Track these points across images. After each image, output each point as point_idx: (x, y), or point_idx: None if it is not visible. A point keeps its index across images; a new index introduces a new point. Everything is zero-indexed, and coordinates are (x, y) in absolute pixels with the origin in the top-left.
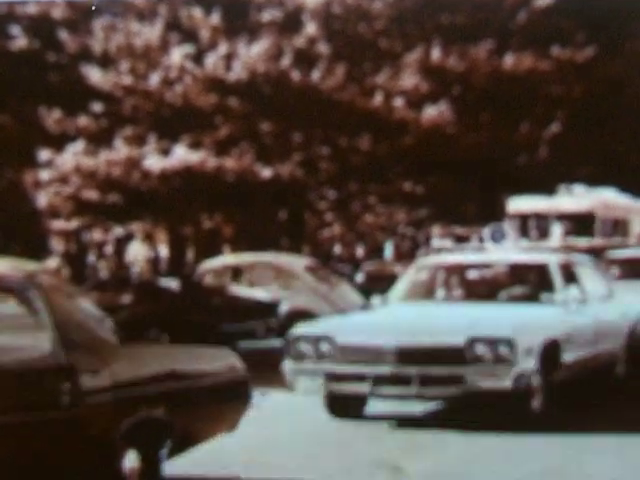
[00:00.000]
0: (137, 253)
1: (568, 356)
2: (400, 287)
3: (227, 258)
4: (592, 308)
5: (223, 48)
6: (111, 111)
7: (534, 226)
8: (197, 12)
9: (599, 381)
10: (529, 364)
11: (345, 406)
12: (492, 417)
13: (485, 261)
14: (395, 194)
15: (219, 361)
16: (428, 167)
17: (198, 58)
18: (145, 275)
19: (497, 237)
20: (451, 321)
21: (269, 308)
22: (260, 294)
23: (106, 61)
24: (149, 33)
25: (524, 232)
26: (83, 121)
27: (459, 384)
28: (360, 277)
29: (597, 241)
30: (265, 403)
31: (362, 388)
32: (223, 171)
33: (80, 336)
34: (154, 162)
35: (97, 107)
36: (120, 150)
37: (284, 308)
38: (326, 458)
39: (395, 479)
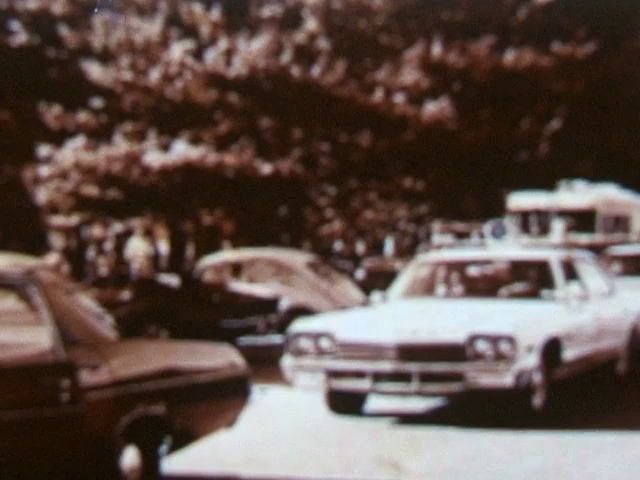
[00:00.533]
0: (137, 249)
1: (569, 353)
2: (400, 283)
3: (227, 254)
4: (593, 305)
5: (223, 44)
6: (111, 107)
7: (535, 222)
8: (197, 7)
9: (600, 378)
10: (530, 361)
11: (345, 403)
12: (493, 414)
13: (486, 257)
14: (395, 190)
15: (219, 357)
16: (428, 163)
17: (198, 54)
18: (145, 271)
19: (498, 233)
20: (451, 318)
21: (269, 304)
22: (260, 290)
23: (106, 57)
24: (149, 29)
25: (525, 228)
26: (83, 117)
27: (460, 381)
28: (360, 273)
29: (598, 237)
30: (265, 399)
31: (362, 385)
32: (223, 167)
33: (79, 332)
34: (154, 158)
35: (97, 103)
36: (120, 146)
37: (284, 304)
38: (326, 455)
39: (395, 476)
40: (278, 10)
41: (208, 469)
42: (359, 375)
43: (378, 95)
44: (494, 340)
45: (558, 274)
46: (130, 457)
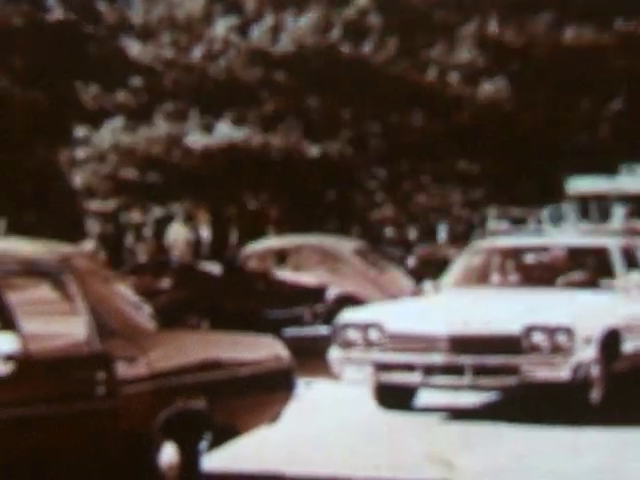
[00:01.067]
0: (177, 235)
1: (629, 345)
2: (454, 272)
3: (272, 241)
4: None
5: (269, 19)
6: (151, 86)
7: (595, 208)
8: None
9: None
10: (588, 354)
11: (394, 397)
12: (549, 409)
13: (543, 245)
14: (449, 173)
15: (262, 349)
16: (484, 145)
17: (243, 30)
18: (185, 258)
19: (555, 219)
20: (507, 308)
21: (316, 293)
22: (306, 279)
23: (146, 33)
24: (192, 4)
25: (584, 214)
26: (122, 96)
27: (514, 374)
28: (412, 261)
29: None
30: (310, 394)
31: (412, 378)
32: (268, 149)
33: (116, 323)
34: (196, 139)
35: (136, 81)
36: (160, 127)
37: (331, 293)
38: (374, 452)
39: (446, 474)
40: None
41: (250, 466)
42: (409, 368)
43: (431, 74)
44: (551, 332)
45: (618, 262)
46: (168, 453)
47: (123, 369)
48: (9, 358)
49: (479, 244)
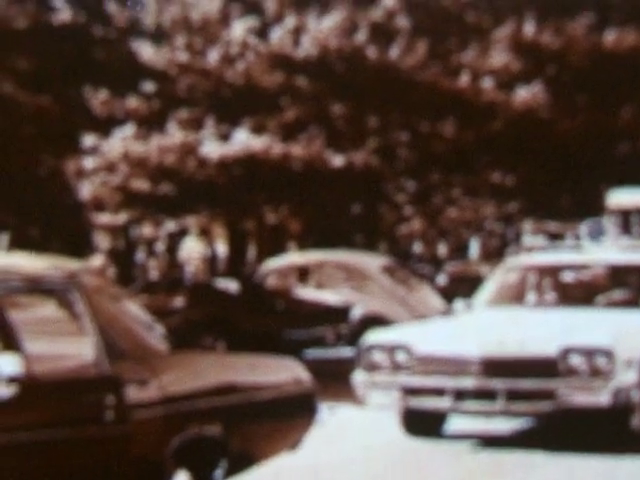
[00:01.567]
0: (191, 250)
1: None
2: (486, 290)
3: (293, 256)
4: None
5: (290, 21)
6: (164, 91)
7: (637, 222)
8: None
9: None
10: (629, 377)
11: (422, 423)
12: (586, 437)
13: (581, 261)
14: (482, 186)
15: (282, 372)
16: (519, 156)
17: (262, 32)
18: (200, 275)
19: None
20: (543, 329)
21: (339, 313)
22: (329, 297)
23: (159, 36)
24: (208, 4)
25: (625, 229)
26: (133, 102)
27: (550, 399)
28: (442, 278)
29: None
30: (333, 419)
31: (442, 403)
32: (289, 159)
33: (126, 344)
34: (212, 148)
35: (149, 87)
36: (174, 135)
37: (356, 313)
38: None
39: None
40: None
41: None
42: (438, 392)
43: (464, 79)
44: (589, 354)
45: None
46: None
47: (133, 393)
48: (12, 380)
49: (513, 261)
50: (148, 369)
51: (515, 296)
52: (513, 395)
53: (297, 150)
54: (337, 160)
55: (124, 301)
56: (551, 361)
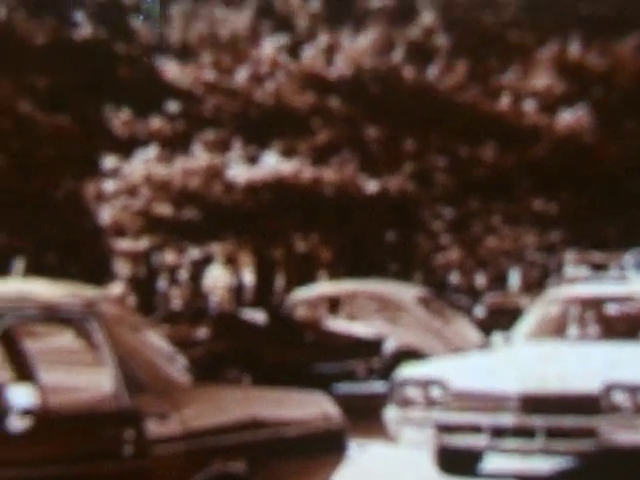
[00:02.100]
0: (216, 279)
1: None
2: (526, 323)
3: (323, 286)
4: None
5: (323, 39)
6: (189, 111)
7: None
8: None
9: None
10: None
11: (458, 461)
12: (629, 477)
13: (626, 293)
14: (523, 213)
15: (310, 407)
16: (562, 182)
17: (294, 50)
18: (225, 305)
19: None
20: (585, 364)
21: (372, 346)
22: (361, 329)
23: (185, 53)
24: (236, 20)
25: None
26: (156, 123)
27: (592, 437)
28: (480, 310)
29: None
30: (363, 457)
31: (479, 441)
32: (321, 184)
33: (147, 376)
34: (239, 172)
35: (173, 107)
36: (199, 157)
37: (389, 346)
38: None
39: None
40: (389, 1)
41: None
42: (475, 429)
43: (504, 101)
44: (634, 390)
45: None
46: None
47: (154, 427)
48: (27, 413)
49: (555, 292)
50: (169, 403)
51: (556, 329)
52: (553, 433)
53: (329, 175)
54: (371, 185)
55: (145, 331)
56: (593, 398)
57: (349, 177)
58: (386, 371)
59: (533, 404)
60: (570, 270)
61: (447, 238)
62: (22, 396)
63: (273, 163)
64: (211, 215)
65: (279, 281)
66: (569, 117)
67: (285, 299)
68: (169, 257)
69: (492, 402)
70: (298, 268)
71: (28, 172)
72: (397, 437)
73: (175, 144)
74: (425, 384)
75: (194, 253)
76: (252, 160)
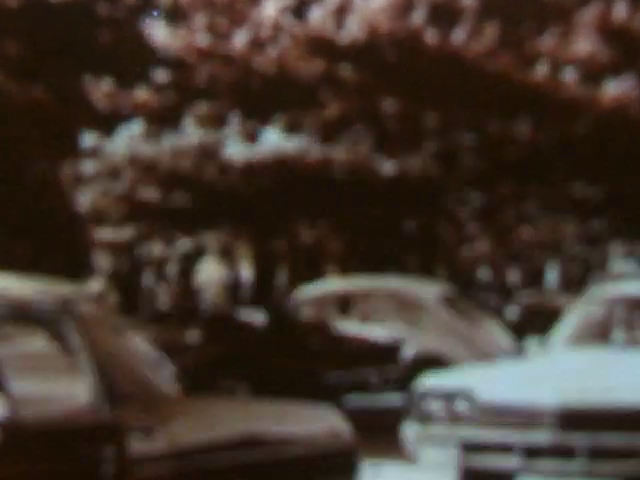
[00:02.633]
0: (210, 274)
1: None
2: (566, 326)
3: (332, 283)
4: None
5: None
6: (180, 82)
7: None
8: None
9: None
10: None
11: None
12: None
13: None
14: (562, 199)
15: (316, 422)
16: (607, 163)
17: (299, 12)
18: (220, 305)
19: None
20: (632, 374)
21: (388, 352)
22: (376, 333)
23: (175, 15)
24: None
25: None
26: (142, 95)
27: (639, 458)
28: (512, 311)
29: None
30: (378, 479)
31: (510, 462)
32: (330, 164)
33: (130, 385)
34: (236, 151)
35: (161, 76)
36: (191, 134)
37: (408, 352)
38: None
39: None
40: None
41: None
42: (506, 449)
43: (541, 70)
44: None
45: None
46: None
47: (137, 444)
48: None
49: (599, 291)
50: (155, 416)
51: (600, 334)
52: (596, 453)
53: (339, 154)
54: (387, 167)
55: (128, 334)
56: None
57: (362, 157)
58: (404, 381)
59: (573, 420)
60: (616, 265)
61: (475, 228)
62: None
63: (275, 141)
64: (204, 201)
65: (281, 277)
66: (615, 88)
67: (288, 298)
68: (156, 249)
69: (526, 418)
70: (303, 262)
71: None
72: (416, 457)
73: (163, 119)
74: (449, 396)
75: (184, 244)
76: (251, 137)
